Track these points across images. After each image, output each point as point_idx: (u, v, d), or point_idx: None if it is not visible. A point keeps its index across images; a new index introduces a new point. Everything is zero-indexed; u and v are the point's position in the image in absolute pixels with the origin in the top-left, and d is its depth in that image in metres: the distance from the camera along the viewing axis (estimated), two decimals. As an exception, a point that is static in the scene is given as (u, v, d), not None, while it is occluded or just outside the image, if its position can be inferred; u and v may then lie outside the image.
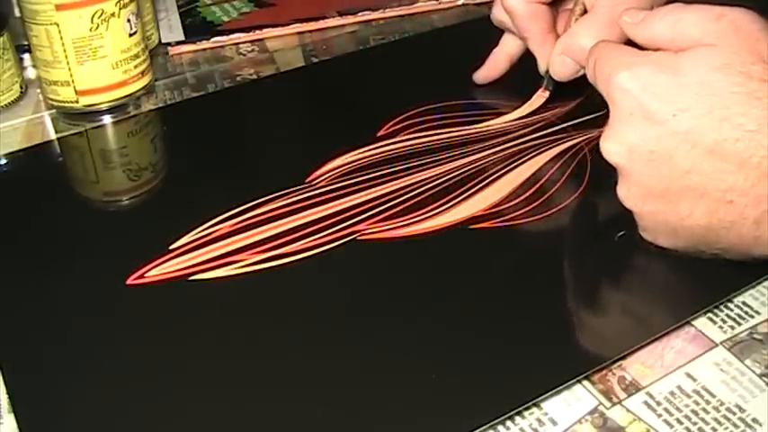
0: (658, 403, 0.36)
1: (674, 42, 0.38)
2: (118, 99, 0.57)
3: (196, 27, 0.68)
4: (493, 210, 0.46)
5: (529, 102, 0.54)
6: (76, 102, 0.57)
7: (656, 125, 0.38)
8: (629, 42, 0.42)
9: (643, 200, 0.40)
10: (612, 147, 0.40)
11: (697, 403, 0.36)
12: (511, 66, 0.56)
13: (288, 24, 0.68)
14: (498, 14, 0.54)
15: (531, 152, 0.50)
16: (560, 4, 0.54)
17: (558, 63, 0.50)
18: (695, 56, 0.37)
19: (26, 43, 0.58)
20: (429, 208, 0.46)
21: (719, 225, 0.37)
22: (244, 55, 0.65)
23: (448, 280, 0.42)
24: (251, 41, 0.67)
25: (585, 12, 0.49)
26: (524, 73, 0.58)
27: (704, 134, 0.36)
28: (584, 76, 0.47)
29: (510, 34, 0.55)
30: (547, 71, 0.52)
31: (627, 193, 0.40)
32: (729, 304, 0.41)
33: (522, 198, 0.47)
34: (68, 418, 0.36)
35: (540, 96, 0.54)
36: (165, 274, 0.43)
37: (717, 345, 0.39)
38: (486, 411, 0.35)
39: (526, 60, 0.54)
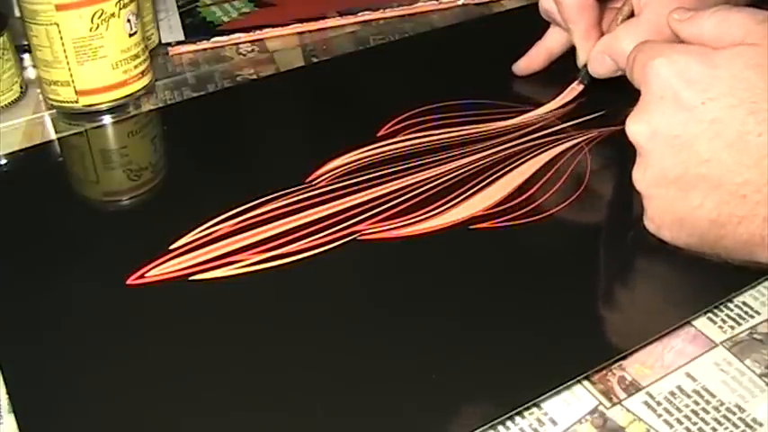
0: (658, 403, 0.36)
1: (718, 40, 0.39)
2: (118, 99, 0.57)
3: (196, 27, 0.68)
4: (493, 210, 0.46)
5: (562, 94, 0.54)
6: (76, 102, 0.57)
7: (684, 111, 0.38)
8: None
9: (656, 184, 0.40)
10: (638, 127, 0.40)
11: (697, 403, 0.36)
12: (550, 61, 0.56)
13: (288, 24, 0.68)
14: (545, 3, 0.54)
15: (531, 152, 0.50)
16: (609, 0, 0.54)
17: (597, 60, 0.50)
18: (734, 52, 0.38)
19: (26, 43, 0.58)
20: (429, 208, 0.46)
21: (728, 219, 0.38)
22: (244, 55, 0.65)
23: (448, 280, 0.42)
24: (251, 41, 0.67)
25: (632, 14, 0.49)
26: (525, 75, 0.59)
27: (729, 125, 0.37)
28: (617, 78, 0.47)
29: (555, 31, 0.56)
30: (585, 65, 0.52)
31: (642, 176, 0.41)
32: (729, 304, 0.41)
33: (522, 198, 0.47)
34: (68, 418, 0.36)
35: (574, 89, 0.54)
36: (165, 274, 0.43)
37: (717, 345, 0.39)
38: (487, 411, 0.35)
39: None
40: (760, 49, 0.37)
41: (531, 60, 0.57)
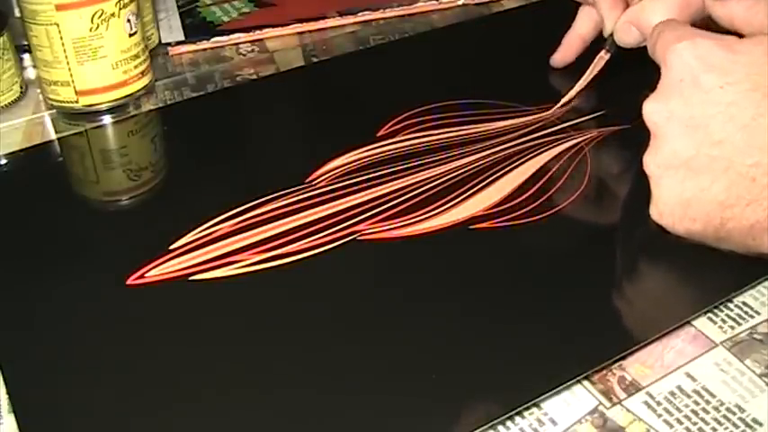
0: (658, 403, 0.36)
1: (749, 25, 0.41)
2: (118, 99, 0.57)
3: (196, 27, 0.68)
4: (493, 210, 0.46)
5: (591, 66, 0.54)
6: (76, 102, 0.57)
7: (702, 92, 0.39)
8: (698, 26, 0.43)
9: (667, 165, 0.40)
10: (655, 107, 0.41)
11: (697, 403, 0.36)
12: (584, 48, 0.56)
13: (288, 24, 0.68)
14: None
15: (531, 152, 0.50)
16: None
17: (624, 29, 0.50)
18: (757, 42, 0.39)
19: (26, 43, 0.58)
20: (429, 208, 0.46)
21: (736, 201, 0.38)
22: (244, 55, 0.65)
23: (448, 280, 0.42)
24: (251, 41, 0.67)
25: None
26: (524, 73, 0.59)
27: (744, 108, 0.38)
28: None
29: (584, 15, 0.56)
30: (611, 35, 0.52)
31: (653, 157, 0.41)
32: (729, 304, 0.41)
33: (522, 198, 0.47)
34: (68, 418, 0.36)
35: (602, 58, 0.53)
36: (165, 274, 0.43)
37: (717, 345, 0.39)
38: (487, 411, 0.35)
39: (531, 64, 0.54)
40: None
41: (567, 50, 0.57)
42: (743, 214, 0.38)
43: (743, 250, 0.39)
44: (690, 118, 0.39)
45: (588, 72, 0.54)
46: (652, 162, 0.41)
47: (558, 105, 0.54)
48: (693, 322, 0.40)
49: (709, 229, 0.40)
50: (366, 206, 0.47)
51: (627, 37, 0.50)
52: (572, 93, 0.54)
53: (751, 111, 0.38)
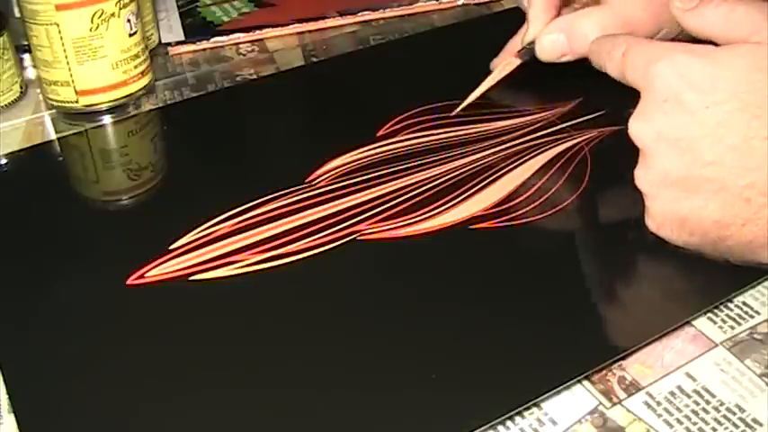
0: (658, 403, 0.36)
1: (724, 34, 0.38)
2: (118, 99, 0.57)
3: (196, 27, 0.68)
4: (493, 210, 0.46)
5: (500, 66, 0.53)
6: (76, 102, 0.57)
7: (688, 114, 0.38)
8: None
9: (659, 184, 0.40)
10: (641, 127, 0.40)
11: (697, 403, 0.36)
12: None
13: (288, 24, 0.68)
14: None
15: (531, 152, 0.50)
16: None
17: (549, 40, 0.49)
18: (738, 52, 0.37)
19: (26, 43, 0.58)
20: (429, 208, 0.46)
21: (732, 221, 0.37)
22: (244, 55, 0.65)
23: (448, 280, 0.42)
24: (251, 41, 0.67)
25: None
26: (524, 73, 0.59)
27: (733, 129, 0.37)
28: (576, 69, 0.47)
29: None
30: (530, 43, 0.51)
31: (644, 175, 0.40)
32: (729, 304, 0.41)
33: (522, 198, 0.47)
34: (68, 418, 0.36)
35: (511, 63, 0.52)
36: (165, 274, 0.43)
37: (717, 345, 0.39)
38: (487, 411, 0.35)
39: (531, 63, 0.53)
40: (764, 49, 0.37)
41: (509, 55, 0.55)
42: (740, 233, 0.37)
43: (741, 262, 0.39)
44: (678, 139, 0.38)
45: (492, 76, 0.53)
46: (644, 179, 0.40)
47: (459, 109, 0.53)
48: (693, 322, 0.40)
49: (706, 243, 0.39)
50: (366, 206, 0.47)
51: (550, 48, 0.49)
52: (472, 97, 0.53)
53: (741, 131, 0.36)
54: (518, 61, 0.52)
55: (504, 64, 0.53)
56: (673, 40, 0.47)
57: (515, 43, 0.55)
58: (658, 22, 0.47)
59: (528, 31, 0.51)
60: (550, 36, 0.49)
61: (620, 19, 0.47)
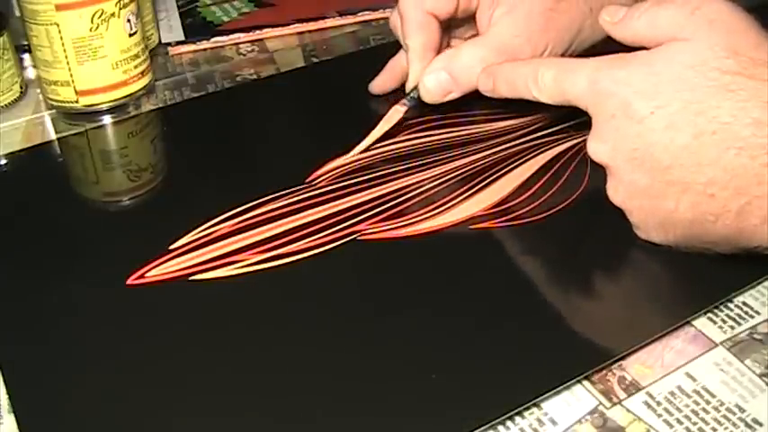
0: (658, 403, 0.36)
1: (654, 39, 0.39)
2: (118, 99, 0.57)
3: (196, 27, 0.68)
4: (493, 210, 0.46)
5: (386, 116, 0.52)
6: (76, 102, 0.57)
7: (636, 123, 0.38)
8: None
9: (630, 197, 0.40)
10: (598, 146, 0.40)
11: (697, 403, 0.36)
12: (404, 79, 0.53)
13: (288, 24, 0.68)
14: (392, 19, 0.53)
15: (531, 152, 0.50)
16: (455, 32, 0.53)
17: (431, 79, 0.48)
18: (669, 52, 0.38)
19: (26, 43, 0.58)
20: (429, 208, 0.46)
21: (704, 218, 0.38)
22: (244, 55, 0.65)
23: (448, 280, 0.42)
24: (251, 41, 0.67)
25: None
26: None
27: (681, 129, 0.37)
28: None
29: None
30: (414, 89, 0.50)
31: (615, 192, 0.41)
32: (729, 304, 0.41)
33: (522, 198, 0.47)
34: (68, 418, 0.36)
35: (397, 111, 0.51)
36: (165, 274, 0.43)
37: (717, 345, 0.39)
38: (487, 411, 0.35)
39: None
40: (693, 44, 0.37)
41: (388, 78, 0.55)
42: (715, 227, 0.38)
43: (735, 252, 0.39)
44: (633, 150, 0.38)
45: (380, 126, 0.51)
46: (615, 195, 0.41)
47: (351, 155, 0.51)
48: (693, 322, 0.40)
49: (691, 241, 0.40)
50: (366, 206, 0.47)
51: (433, 87, 0.48)
52: (363, 145, 0.51)
53: (689, 131, 0.37)
54: (403, 109, 0.51)
55: (392, 112, 0.51)
56: (562, 55, 0.48)
57: (395, 65, 0.54)
58: (534, 46, 0.47)
59: (409, 78, 0.51)
60: (431, 76, 0.49)
61: (498, 48, 0.47)
